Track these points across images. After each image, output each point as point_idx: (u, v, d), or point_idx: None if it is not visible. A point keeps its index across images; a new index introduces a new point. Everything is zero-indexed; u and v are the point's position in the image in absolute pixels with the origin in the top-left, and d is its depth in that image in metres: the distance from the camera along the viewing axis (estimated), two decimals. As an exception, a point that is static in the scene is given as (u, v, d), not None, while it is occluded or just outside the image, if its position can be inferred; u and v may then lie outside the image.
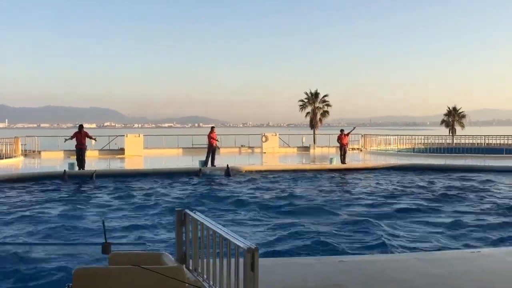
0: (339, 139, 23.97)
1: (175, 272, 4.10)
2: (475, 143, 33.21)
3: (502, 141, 32.40)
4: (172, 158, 27.31)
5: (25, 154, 27.40)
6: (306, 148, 33.35)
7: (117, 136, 31.15)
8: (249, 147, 33.02)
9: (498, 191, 15.05)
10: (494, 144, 32.57)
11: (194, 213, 4.59)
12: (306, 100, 38.17)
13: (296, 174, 19.74)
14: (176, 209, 4.85)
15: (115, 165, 22.71)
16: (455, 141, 35.46)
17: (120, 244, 7.31)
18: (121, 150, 29.13)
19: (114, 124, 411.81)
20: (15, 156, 25.27)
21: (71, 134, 20.16)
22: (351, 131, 25.77)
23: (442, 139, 34.27)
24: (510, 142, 31.95)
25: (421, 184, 16.79)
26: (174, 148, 31.70)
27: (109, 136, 31.07)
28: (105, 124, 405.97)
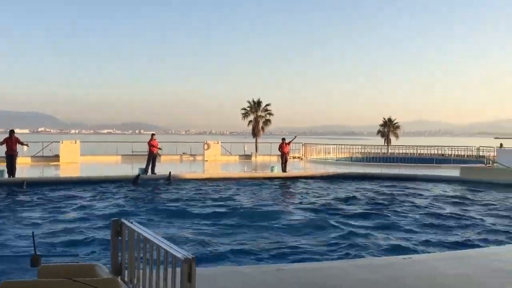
0: (281, 147, 24.32)
1: (109, 284, 3.97)
2: (408, 153, 34.83)
3: (432, 151, 34.15)
4: (111, 165, 26.53)
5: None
6: (248, 156, 33.52)
7: (52, 142, 29.87)
8: (191, 155, 32.76)
9: (428, 199, 15.78)
10: (425, 154, 34.27)
11: (131, 222, 4.46)
12: (248, 109, 38.46)
13: (237, 182, 19.77)
14: (112, 219, 4.70)
15: (48, 172, 21.73)
16: (390, 150, 36.97)
17: (51, 256, 6.97)
18: (56, 157, 27.93)
19: (49, 130, 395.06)
20: None
21: (0, 140, 19.04)
22: (292, 140, 26.21)
23: (378, 148, 35.66)
24: (440, 152, 33.75)
25: (359, 192, 17.31)
26: (113, 155, 30.84)
27: (43, 142, 29.72)
28: (39, 129, 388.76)
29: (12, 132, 19.01)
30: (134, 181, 18.81)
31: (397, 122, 45.69)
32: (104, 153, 31.62)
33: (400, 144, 39.55)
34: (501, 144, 29.57)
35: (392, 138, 44.90)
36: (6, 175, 18.26)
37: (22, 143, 19.37)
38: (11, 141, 18.57)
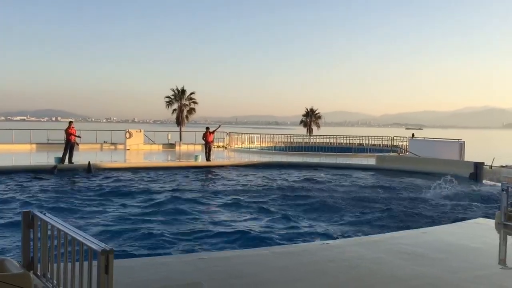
0: (205, 136, 24.25)
1: (19, 279, 3.77)
2: (329, 142, 36.09)
3: (351, 141, 35.67)
4: (24, 154, 25.01)
5: None
6: (172, 145, 33.06)
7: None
8: (112, 144, 31.69)
9: (345, 187, 16.50)
10: (345, 143, 35.70)
11: (44, 214, 4.26)
12: (172, 97, 37.82)
13: (160, 171, 19.47)
14: (23, 210, 4.46)
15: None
16: (311, 140, 38.11)
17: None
18: (-39, 145, 25.85)
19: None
20: None
21: None
22: (216, 129, 26.21)
23: (300, 138, 36.60)
24: (358, 142, 35.33)
25: (280, 180, 17.71)
26: (27, 144, 29.08)
27: None
28: None
29: None
30: (51, 171, 17.91)
31: (318, 113, 47.18)
32: (17, 141, 29.72)
33: (322, 133, 40.88)
34: (413, 134, 31.48)
35: (314, 128, 46.34)
36: None
37: None
38: None
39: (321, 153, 30.60)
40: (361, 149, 33.06)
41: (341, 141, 36.51)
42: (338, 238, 8.76)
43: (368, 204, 13.04)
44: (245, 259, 6.04)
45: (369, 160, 25.02)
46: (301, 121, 47.18)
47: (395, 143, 33.73)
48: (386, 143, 35.09)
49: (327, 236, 9.09)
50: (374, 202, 13.31)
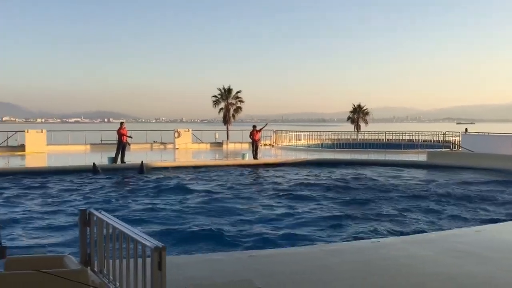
0: (251, 135, 24.34)
1: (78, 275, 3.93)
2: (377, 139, 35.40)
3: (401, 137, 34.82)
4: (79, 155, 26.04)
5: None
6: (219, 144, 33.43)
7: (17, 131, 29.05)
8: (162, 143, 32.42)
9: (396, 184, 16.12)
10: (394, 139, 34.90)
11: (100, 212, 4.41)
12: (219, 96, 38.23)
13: (208, 170, 19.74)
14: (80, 208, 4.64)
15: (14, 163, 21.17)
16: (359, 136, 37.50)
17: (18, 247, 6.83)
18: (22, 147, 27.21)
19: (14, 119, 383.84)
20: None
21: None
22: (263, 127, 26.27)
23: (348, 134, 36.10)
24: (408, 138, 34.44)
25: (328, 178, 17.53)
26: (81, 145, 30.24)
27: (7, 131, 28.86)
28: (4, 118, 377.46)
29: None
30: (94, 171, 18.39)
31: (366, 109, 46.36)
32: (72, 142, 30.98)
33: (370, 130, 40.15)
34: (466, 129, 30.42)
35: (362, 124, 45.57)
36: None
37: None
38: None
39: (369, 149, 30.03)
40: (411, 145, 32.18)
41: (390, 137, 35.71)
42: (389, 236, 8.58)
43: (420, 201, 12.70)
44: (294, 256, 6.03)
45: (420, 156, 24.33)
46: (349, 118, 46.51)
47: (447, 139, 32.65)
48: (437, 139, 34.02)
49: (377, 234, 8.93)
50: (426, 199, 12.95)
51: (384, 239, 7.81)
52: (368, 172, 19.37)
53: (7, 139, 28.20)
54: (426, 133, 35.24)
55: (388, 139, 35.04)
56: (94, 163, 18.64)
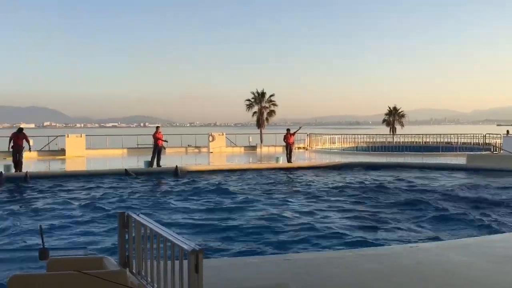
0: (285, 138, 24.30)
1: (117, 276, 4.00)
2: (414, 142, 34.70)
3: (438, 139, 34.01)
4: (116, 158, 26.62)
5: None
6: (253, 148, 33.52)
7: (57, 136, 29.97)
8: (196, 147, 32.78)
9: (434, 187, 15.74)
10: (431, 142, 34.13)
11: (138, 215, 4.49)
12: (252, 100, 38.41)
13: (243, 173, 19.81)
14: (119, 211, 4.74)
15: (55, 166, 21.84)
16: (395, 139, 36.88)
17: (59, 249, 7.03)
18: (62, 151, 28.06)
19: (54, 124, 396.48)
20: None
21: (9, 135, 19.28)
22: (297, 130, 26.19)
23: (383, 137, 35.53)
24: (446, 141, 33.59)
25: (364, 181, 17.29)
26: (119, 149, 30.93)
27: (48, 136, 29.83)
28: (45, 124, 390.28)
29: (21, 130, 19.34)
30: (127, 174, 18.68)
31: (402, 111, 45.53)
32: (110, 146, 31.72)
33: (406, 132, 39.40)
34: (507, 131, 29.40)
35: (398, 127, 44.78)
36: (13, 170, 18.39)
37: (28, 142, 19.41)
38: (17, 137, 18.76)
39: (406, 152, 29.47)
40: (449, 148, 31.39)
41: (427, 140, 34.96)
42: (426, 241, 8.38)
43: (458, 204, 12.36)
44: (330, 260, 5.97)
45: (459, 159, 23.69)
46: (384, 120, 45.80)
47: (487, 141, 31.67)
48: (477, 141, 33.06)
49: (414, 238, 8.73)
50: (465, 203, 12.59)
51: (421, 243, 7.63)
52: (405, 175, 19.00)
53: (49, 143, 29.14)
54: (465, 135, 34.32)
55: (425, 142, 34.30)
56: (126, 169, 19.02)
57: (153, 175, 19.23)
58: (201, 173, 19.94)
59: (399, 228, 9.74)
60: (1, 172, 17.18)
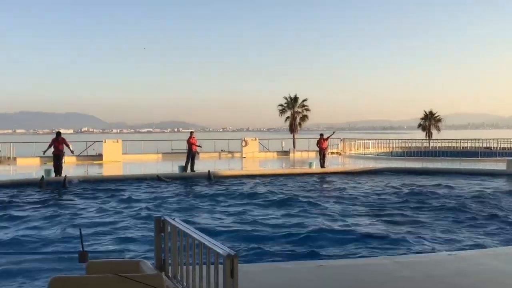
0: (319, 143, 24.15)
1: (154, 280, 4.06)
2: (451, 147, 33.83)
3: (477, 145, 33.05)
4: (152, 163, 27.08)
5: (0, 160, 26.83)
6: (286, 153, 33.45)
7: (95, 141, 30.75)
8: (229, 152, 32.97)
9: (473, 193, 15.30)
10: (469, 147, 33.21)
11: (173, 219, 4.55)
12: (285, 105, 38.34)
13: (276, 179, 19.78)
14: (155, 216, 4.81)
15: (92, 171, 22.39)
16: (431, 144, 36.04)
17: (97, 252, 7.21)
18: (99, 156, 28.76)
19: (92, 130, 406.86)
20: (-11, 163, 24.71)
21: (49, 141, 19.90)
22: (330, 135, 25.99)
23: (419, 142, 34.81)
24: (485, 146, 32.60)
25: (398, 187, 16.98)
26: (154, 154, 31.44)
27: (86, 141, 30.63)
28: (83, 129, 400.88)
29: (59, 134, 19.86)
30: (159, 180, 18.92)
31: (438, 115, 44.47)
32: (145, 151, 32.29)
33: (442, 137, 38.47)
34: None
35: (434, 131, 43.74)
36: (53, 174, 18.95)
37: (68, 146, 20.03)
38: (58, 142, 19.32)
39: (442, 158, 28.79)
40: (488, 153, 30.44)
41: (465, 144, 34.02)
42: (466, 249, 8.14)
43: (499, 211, 11.96)
44: (365, 267, 5.87)
45: (499, 165, 22.95)
46: (419, 125, 44.81)
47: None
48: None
49: (454, 246, 8.50)
50: (505, 210, 12.18)
51: (461, 252, 7.42)
52: (442, 181, 18.54)
53: (87, 148, 29.91)
54: (505, 140, 33.24)
55: (463, 147, 33.40)
56: (157, 175, 19.30)
57: (187, 179, 19.44)
58: (234, 178, 20.03)
59: (436, 235, 9.51)
60: (42, 176, 17.73)
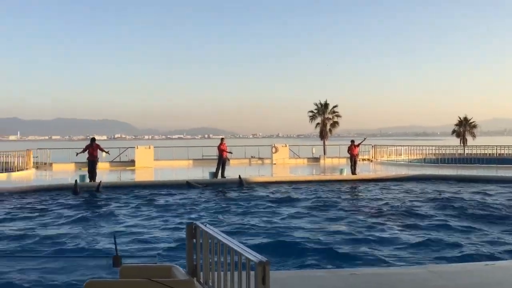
0: (350, 149, 23.90)
1: (185, 285, 4.09)
2: (487, 154, 32.89)
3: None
4: (183, 169, 27.36)
5: (37, 166, 27.63)
6: (316, 159, 33.25)
7: (128, 148, 31.31)
8: (259, 158, 33.00)
9: (511, 201, 14.83)
10: (506, 154, 32.21)
11: (205, 225, 4.57)
12: (315, 111, 38.19)
13: (306, 185, 19.67)
14: (187, 222, 4.85)
15: (125, 176, 22.79)
16: (466, 151, 35.13)
17: (131, 256, 7.32)
18: (132, 162, 29.27)
19: (124, 136, 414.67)
20: (27, 169, 25.49)
21: (83, 147, 20.40)
22: (361, 142, 25.70)
23: (453, 149, 34.00)
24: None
25: (432, 195, 16.62)
26: (184, 160, 31.77)
27: (119, 148, 31.23)
28: (116, 136, 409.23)
29: (93, 140, 20.33)
30: (192, 186, 19.07)
31: (473, 121, 43.37)
32: (176, 157, 32.67)
33: (478, 144, 37.46)
34: None
35: (469, 138, 42.66)
36: (87, 180, 19.39)
37: (102, 150, 20.51)
38: (92, 148, 19.78)
39: (478, 165, 28.01)
40: (526, 160, 29.46)
41: (502, 151, 33.00)
42: (504, 259, 7.88)
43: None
44: (399, 277, 5.75)
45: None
46: (453, 131, 43.80)
47: None
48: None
49: (491, 256, 8.23)
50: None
51: (498, 262, 7.19)
52: (478, 188, 18.05)
53: (119, 154, 30.50)
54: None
55: (499, 154, 32.39)
56: (187, 181, 19.48)
57: (217, 186, 19.54)
58: (264, 184, 20.03)
59: (472, 244, 9.24)
60: (76, 181, 18.12)
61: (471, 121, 43.03)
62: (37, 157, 28.68)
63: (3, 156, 24.76)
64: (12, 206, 14.40)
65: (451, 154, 32.54)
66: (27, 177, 22.96)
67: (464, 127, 42.56)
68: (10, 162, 24.62)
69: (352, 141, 24.38)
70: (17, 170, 24.15)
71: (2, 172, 23.04)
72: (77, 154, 20.82)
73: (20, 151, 25.85)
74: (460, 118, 43.33)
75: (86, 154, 19.92)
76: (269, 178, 22.06)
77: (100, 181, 18.34)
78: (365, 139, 27.08)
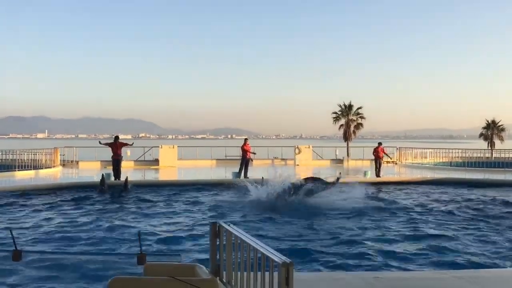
0: (375, 151, 23.61)
1: (208, 284, 4.11)
2: (515, 158, 32.12)
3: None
4: (206, 169, 27.51)
5: (64, 164, 28.17)
6: (340, 161, 33.00)
7: (152, 147, 31.65)
8: (282, 159, 32.91)
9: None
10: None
11: (229, 225, 4.58)
12: (339, 113, 37.88)
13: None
14: (210, 221, 4.86)
15: (149, 175, 23.02)
16: (494, 155, 34.38)
17: (155, 254, 7.38)
18: (156, 161, 29.57)
19: (149, 135, 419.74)
20: (54, 166, 26.02)
21: (108, 142, 20.69)
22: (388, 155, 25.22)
23: (480, 152, 33.29)
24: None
25: (459, 199, 16.30)
26: (208, 160, 31.94)
27: (144, 147, 31.59)
28: (140, 135, 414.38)
29: (116, 138, 20.51)
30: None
31: (501, 124, 42.42)
32: (199, 157, 32.86)
33: (506, 147, 36.60)
34: None
35: (496, 141, 41.74)
36: (112, 178, 19.65)
37: (126, 144, 20.70)
38: (116, 147, 19.98)
39: (506, 169, 27.36)
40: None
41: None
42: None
43: None
44: (424, 282, 5.66)
45: None
46: (481, 134, 42.91)
47: None
48: None
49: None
50: None
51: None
52: (506, 193, 17.61)
53: (144, 154, 30.85)
54: None
55: (529, 158, 31.63)
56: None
57: (241, 185, 19.51)
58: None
59: (500, 250, 9.03)
60: (103, 176, 18.28)
61: (499, 124, 42.11)
62: (64, 155, 29.23)
63: (31, 154, 25.34)
64: (40, 203, 14.70)
65: (478, 158, 31.88)
66: (54, 174, 23.44)
67: (492, 130, 41.66)
68: (38, 160, 25.17)
69: (380, 143, 24.12)
70: (45, 168, 24.67)
71: (30, 169, 23.57)
72: (100, 142, 21.20)
73: (47, 149, 26.39)
74: (488, 121, 42.45)
75: (110, 153, 20.16)
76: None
77: (127, 177, 18.52)
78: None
